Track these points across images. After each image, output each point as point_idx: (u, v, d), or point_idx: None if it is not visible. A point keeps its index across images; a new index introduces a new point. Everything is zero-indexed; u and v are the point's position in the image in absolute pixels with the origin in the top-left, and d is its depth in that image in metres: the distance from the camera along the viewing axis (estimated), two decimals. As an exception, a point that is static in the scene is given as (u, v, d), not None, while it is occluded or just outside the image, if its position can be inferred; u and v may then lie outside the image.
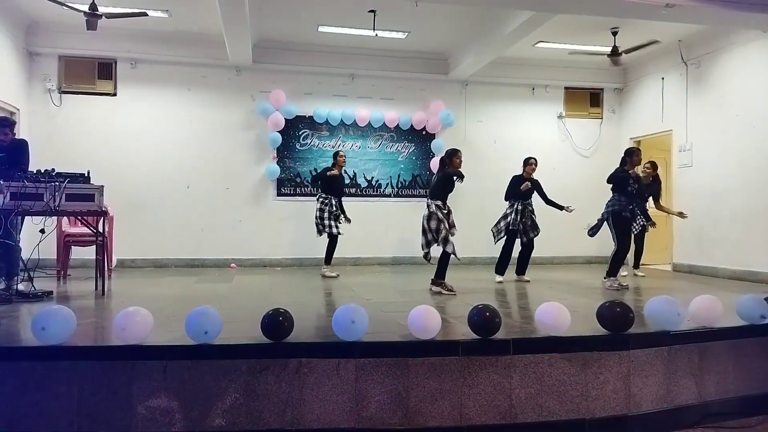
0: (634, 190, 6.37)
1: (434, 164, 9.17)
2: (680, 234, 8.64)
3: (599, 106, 10.06)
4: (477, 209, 8.74)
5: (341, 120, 9.07)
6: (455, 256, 5.82)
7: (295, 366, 3.32)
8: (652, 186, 7.69)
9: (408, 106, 9.30)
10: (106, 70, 8.41)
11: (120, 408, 3.18)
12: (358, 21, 7.60)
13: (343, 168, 7.69)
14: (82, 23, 6.44)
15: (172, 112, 8.63)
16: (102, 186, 5.35)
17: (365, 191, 9.25)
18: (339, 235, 7.45)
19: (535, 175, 7.20)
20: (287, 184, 9.01)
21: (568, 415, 3.57)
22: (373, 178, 9.29)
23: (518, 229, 7.00)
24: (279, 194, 8.98)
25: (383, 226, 9.09)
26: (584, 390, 3.61)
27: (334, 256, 7.57)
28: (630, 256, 7.45)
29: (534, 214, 7.11)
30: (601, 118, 10.04)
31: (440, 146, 9.35)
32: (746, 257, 7.35)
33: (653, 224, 7.38)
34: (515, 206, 7.02)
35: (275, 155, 8.95)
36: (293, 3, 7.19)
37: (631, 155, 6.40)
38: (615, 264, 6.43)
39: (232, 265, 8.60)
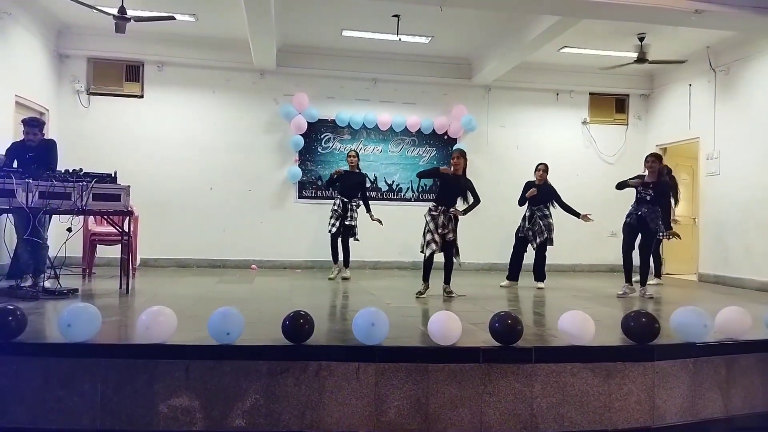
0: (645, 196, 6.31)
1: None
2: (706, 244, 8.47)
3: (624, 112, 9.92)
4: (497, 215, 8.67)
5: (363, 124, 9.09)
6: (425, 257, 5.90)
7: (315, 369, 3.32)
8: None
9: (430, 111, 9.28)
10: (133, 72, 8.56)
11: (142, 406, 3.21)
12: (381, 26, 7.62)
13: (356, 167, 7.66)
14: (111, 26, 6.56)
15: (197, 114, 8.74)
16: (128, 186, 5.43)
17: (386, 195, 9.25)
18: (335, 235, 7.43)
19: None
20: (308, 187, 9.06)
21: (590, 426, 3.51)
22: (393, 182, 9.29)
23: (526, 234, 7.02)
24: (300, 197, 9.03)
25: (404, 230, 9.04)
26: (607, 401, 3.55)
27: (351, 259, 7.62)
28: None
29: (544, 219, 6.98)
30: (627, 125, 9.91)
31: (462, 151, 9.32)
32: (775, 269, 7.17)
33: (668, 235, 6.51)
34: (525, 212, 7.07)
35: (297, 158, 9.00)
36: (318, 8, 7.24)
37: (645, 162, 6.51)
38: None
39: (253, 266, 8.66)
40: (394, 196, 9.28)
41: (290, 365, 3.32)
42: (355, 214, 7.47)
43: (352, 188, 7.54)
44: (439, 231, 5.84)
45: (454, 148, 7.89)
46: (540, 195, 6.97)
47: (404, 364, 3.39)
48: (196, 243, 8.60)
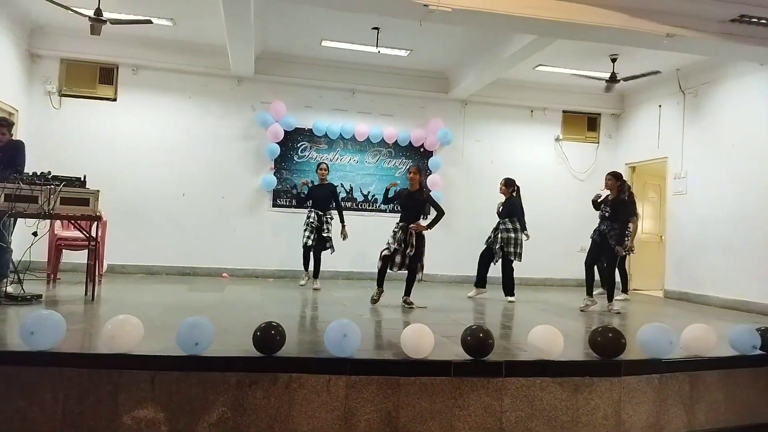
0: (605, 213, 6.57)
1: (431, 181, 9.20)
2: (672, 261, 8.67)
3: (596, 130, 10.14)
4: (473, 228, 8.75)
5: (340, 134, 9.09)
6: (379, 270, 6.09)
7: (285, 381, 3.29)
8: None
9: (407, 123, 9.34)
10: (107, 74, 8.41)
11: (105, 417, 3.13)
12: (361, 37, 7.66)
13: (325, 179, 7.68)
14: (86, 27, 6.45)
15: (172, 119, 8.63)
16: (97, 191, 5.32)
17: (361, 205, 9.26)
18: (309, 247, 7.46)
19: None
20: (283, 196, 9.01)
21: (558, 440, 3.54)
22: (369, 192, 9.30)
23: (490, 246, 7.25)
24: (275, 205, 8.97)
25: (378, 241, 9.02)
26: (575, 415, 3.59)
27: (325, 269, 7.67)
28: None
29: (504, 233, 7.12)
30: (598, 143, 10.12)
31: (438, 164, 9.40)
32: (738, 287, 7.37)
33: (618, 252, 6.51)
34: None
35: (272, 166, 8.95)
36: (298, 17, 7.24)
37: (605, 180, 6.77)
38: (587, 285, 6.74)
39: (225, 274, 8.54)
40: (369, 206, 9.29)
41: (260, 377, 3.27)
42: (330, 226, 7.52)
43: (324, 200, 7.58)
44: (397, 246, 5.97)
45: (411, 164, 8.02)
46: (503, 209, 7.23)
47: (375, 377, 3.38)
48: (166, 250, 8.45)
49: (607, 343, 3.74)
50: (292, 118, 8.86)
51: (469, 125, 9.64)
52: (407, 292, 6.12)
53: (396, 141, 9.30)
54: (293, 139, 9.02)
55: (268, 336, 3.35)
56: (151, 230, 8.40)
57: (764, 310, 6.87)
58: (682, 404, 3.86)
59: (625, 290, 7.97)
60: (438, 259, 8.71)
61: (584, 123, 10.08)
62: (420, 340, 3.51)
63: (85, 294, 5.57)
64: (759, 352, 4.13)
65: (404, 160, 9.42)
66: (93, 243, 5.68)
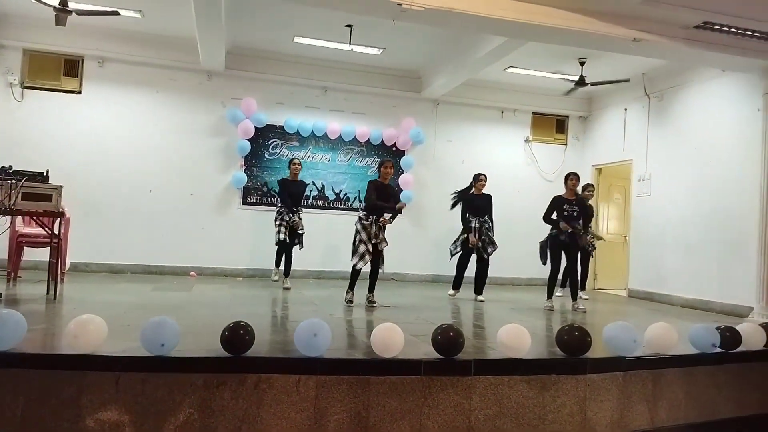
0: (573, 213, 6.58)
1: (403, 181, 9.23)
2: (636, 261, 8.88)
3: (564, 132, 10.32)
4: (444, 227, 8.80)
5: (312, 131, 9.04)
6: (357, 268, 6.03)
7: (254, 381, 3.25)
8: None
9: (379, 122, 9.35)
10: (72, 66, 8.18)
11: (67, 420, 3.05)
12: (334, 35, 7.62)
13: (298, 175, 7.64)
14: (51, 17, 6.26)
15: (139, 114, 8.45)
16: (60, 186, 5.20)
17: (333, 204, 9.22)
18: (283, 243, 7.35)
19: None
20: (253, 194, 8.91)
21: (525, 437, 3.60)
22: (341, 191, 9.27)
23: (476, 246, 7.15)
24: (245, 203, 8.86)
25: (349, 240, 9.03)
26: (541, 413, 3.65)
27: (296, 268, 7.60)
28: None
29: (490, 231, 7.19)
30: (566, 144, 10.30)
31: (410, 163, 9.43)
32: (699, 286, 7.58)
33: (588, 243, 7.32)
34: (473, 224, 7.19)
35: (243, 163, 8.85)
36: (270, 13, 7.17)
37: (565, 180, 6.78)
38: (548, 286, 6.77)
39: (192, 273, 8.41)
40: (341, 205, 9.26)
41: (228, 378, 3.23)
42: (302, 222, 7.46)
43: (298, 197, 7.55)
44: (372, 241, 5.96)
45: (385, 158, 7.90)
46: (481, 206, 7.24)
47: (346, 377, 3.38)
48: (132, 248, 8.27)
49: (573, 342, 3.81)
50: (263, 115, 8.77)
51: (441, 125, 9.69)
52: (372, 289, 6.14)
53: (368, 139, 9.30)
54: (264, 136, 8.93)
55: (237, 336, 3.31)
56: (116, 228, 8.21)
57: (724, 309, 7.09)
58: (645, 401, 3.96)
59: (582, 288, 8.15)
60: (409, 259, 8.75)
61: (553, 125, 10.26)
62: (390, 339, 3.52)
63: (47, 293, 5.41)
64: (718, 350, 4.26)
65: (376, 159, 9.41)
66: (55, 240, 5.53)
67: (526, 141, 10.09)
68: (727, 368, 4.32)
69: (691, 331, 4.36)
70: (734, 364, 4.36)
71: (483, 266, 7.22)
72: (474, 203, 7.24)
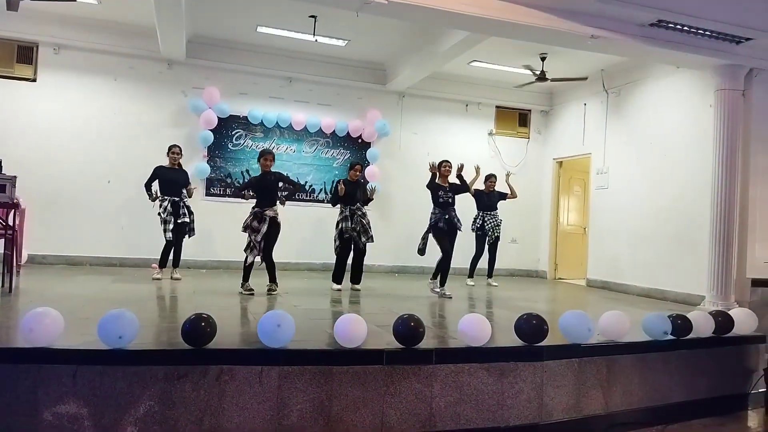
0: (448, 199, 6.64)
1: (369, 173, 9.23)
2: (594, 252, 9.14)
3: (527, 126, 10.50)
4: (409, 219, 8.88)
5: (277, 122, 8.97)
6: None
7: (216, 373, 3.25)
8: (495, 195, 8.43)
9: (345, 114, 9.33)
10: (26, 53, 7.91)
11: (24, 413, 3.00)
12: (298, 25, 7.56)
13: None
14: (2, 3, 6.02)
15: (96, 102, 8.23)
16: (14, 177, 5.07)
17: (298, 196, 9.15)
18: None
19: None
20: (217, 185, 8.80)
21: (484, 423, 3.70)
22: (307, 182, 9.24)
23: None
24: (208, 194, 8.75)
25: (315, 231, 9.04)
26: (500, 399, 3.75)
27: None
28: (484, 266, 8.40)
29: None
30: (528, 138, 10.48)
31: (375, 155, 9.46)
32: (655, 276, 7.86)
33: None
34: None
35: (206, 154, 8.72)
36: (233, 1, 7.06)
37: (438, 167, 6.76)
38: (440, 271, 6.74)
39: (154, 265, 8.23)
40: (307, 197, 9.23)
41: (189, 370, 3.22)
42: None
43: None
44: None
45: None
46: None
47: (308, 367, 3.40)
48: (91, 239, 8.08)
49: (530, 330, 3.92)
50: (226, 105, 8.66)
51: (406, 117, 9.74)
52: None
53: (334, 131, 9.28)
54: (228, 127, 8.81)
55: (198, 328, 3.29)
56: (74, 219, 8.00)
57: (677, 298, 7.37)
58: (600, 387, 4.11)
59: (490, 275, 8.53)
60: (375, 250, 8.77)
61: (516, 119, 10.42)
62: (353, 329, 3.55)
63: (2, 285, 5.26)
64: (670, 337, 4.44)
65: (342, 151, 9.42)
66: (10, 232, 5.36)
67: (490, 134, 10.23)
68: (679, 354, 4.51)
69: (644, 319, 4.53)
70: (685, 350, 4.55)
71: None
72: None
